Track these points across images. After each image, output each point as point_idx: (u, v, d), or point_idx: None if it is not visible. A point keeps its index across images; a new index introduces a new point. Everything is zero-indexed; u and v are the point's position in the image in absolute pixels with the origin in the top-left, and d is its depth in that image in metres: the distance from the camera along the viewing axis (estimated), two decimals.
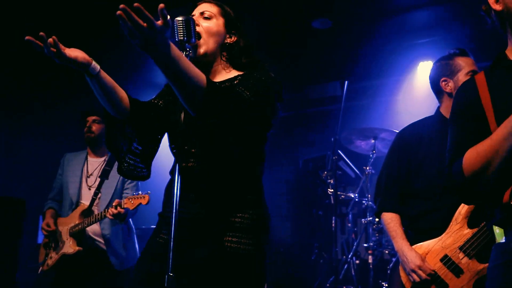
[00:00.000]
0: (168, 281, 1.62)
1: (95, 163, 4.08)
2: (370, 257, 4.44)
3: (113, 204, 3.62)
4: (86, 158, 4.12)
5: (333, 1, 4.99)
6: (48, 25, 5.01)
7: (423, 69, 5.83)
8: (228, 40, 2.11)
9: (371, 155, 5.00)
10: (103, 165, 4.04)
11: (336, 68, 6.49)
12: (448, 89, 2.80)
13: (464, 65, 2.78)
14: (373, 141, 4.98)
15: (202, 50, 2.02)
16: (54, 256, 3.86)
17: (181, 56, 1.63)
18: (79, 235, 3.81)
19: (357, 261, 4.81)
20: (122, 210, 3.56)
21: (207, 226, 1.87)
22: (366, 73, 6.42)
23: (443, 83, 2.81)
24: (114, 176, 3.95)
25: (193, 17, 2.04)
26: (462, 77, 2.74)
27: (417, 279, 2.57)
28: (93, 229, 3.83)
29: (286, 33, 5.63)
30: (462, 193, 1.67)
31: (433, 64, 2.94)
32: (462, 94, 1.79)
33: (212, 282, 1.82)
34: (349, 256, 4.81)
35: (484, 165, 1.56)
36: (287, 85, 2.08)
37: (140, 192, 3.63)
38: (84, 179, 4.01)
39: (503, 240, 1.66)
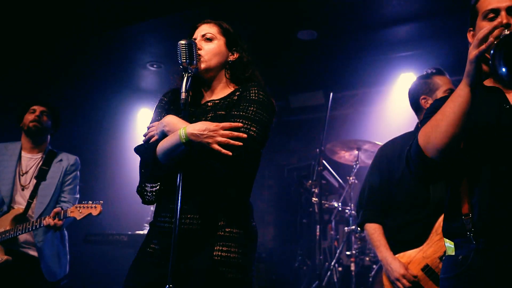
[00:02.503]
0: None
1: (30, 160, 3.64)
2: (352, 264, 4.55)
3: (54, 211, 3.26)
4: (20, 153, 3.64)
5: (319, 13, 5.11)
6: (35, 28, 5.06)
7: (404, 81, 5.99)
8: (231, 58, 2.21)
9: (354, 166, 5.11)
10: (40, 163, 3.63)
11: (319, 78, 6.61)
12: (427, 106, 2.94)
13: (442, 84, 2.94)
14: (356, 152, 5.10)
15: (203, 66, 2.12)
16: None
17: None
18: (8, 242, 3.37)
19: (340, 268, 4.91)
20: (60, 222, 3.24)
21: (199, 237, 1.95)
22: (349, 83, 6.55)
23: (423, 100, 2.96)
24: (53, 177, 3.58)
25: (195, 40, 2.15)
26: (440, 94, 2.91)
27: (401, 287, 2.69)
28: (24, 234, 3.42)
29: (271, 43, 5.73)
30: (419, 167, 1.75)
31: (412, 83, 3.09)
32: (438, 102, 1.93)
33: None
34: (332, 263, 4.92)
35: (433, 127, 1.69)
36: (270, 93, 2.18)
37: (90, 202, 3.28)
38: (17, 177, 3.56)
39: (453, 253, 1.80)
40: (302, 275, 5.63)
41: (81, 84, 6.29)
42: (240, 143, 1.87)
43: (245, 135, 1.89)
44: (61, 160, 3.68)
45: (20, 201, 3.53)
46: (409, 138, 3.02)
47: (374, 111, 6.62)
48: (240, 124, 1.91)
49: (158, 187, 2.08)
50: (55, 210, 3.30)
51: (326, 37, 5.62)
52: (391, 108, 6.36)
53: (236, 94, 2.10)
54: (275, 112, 2.14)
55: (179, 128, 1.91)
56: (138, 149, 2.11)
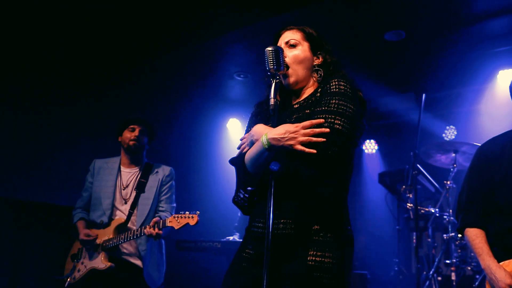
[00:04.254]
0: None
1: (129, 174, 3.86)
2: (453, 274, 4.30)
3: (153, 221, 3.45)
4: (119, 168, 3.89)
5: (406, 12, 4.94)
6: (126, 37, 5.34)
7: (504, 78, 5.64)
8: (316, 62, 2.20)
9: (451, 169, 4.87)
10: (138, 177, 3.84)
11: (409, 80, 6.40)
12: None
13: None
14: (453, 154, 4.86)
15: (292, 80, 2.14)
16: (82, 269, 3.63)
17: None
18: (112, 250, 3.60)
19: (439, 278, 4.68)
20: (161, 232, 3.40)
21: (293, 242, 1.94)
22: (442, 84, 6.29)
23: None
24: (150, 189, 3.78)
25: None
26: None
27: None
28: (126, 243, 3.62)
29: (358, 46, 5.63)
30: None
31: None
32: None
33: None
34: (431, 272, 4.69)
35: None
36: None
37: (187, 212, 3.40)
38: (118, 191, 3.79)
39: None
40: (399, 285, 5.43)
41: (173, 95, 6.54)
42: (323, 139, 1.82)
43: (327, 130, 1.84)
44: (157, 172, 3.88)
45: (121, 214, 3.74)
46: (511, 137, 2.83)
47: (471, 111, 6.30)
48: (321, 120, 1.88)
49: (250, 195, 2.09)
50: (154, 219, 3.47)
51: (415, 36, 5.42)
52: (489, 107, 6.01)
53: (319, 91, 2.09)
54: (363, 103, 2.09)
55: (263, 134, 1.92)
56: (232, 161, 2.15)
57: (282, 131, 1.87)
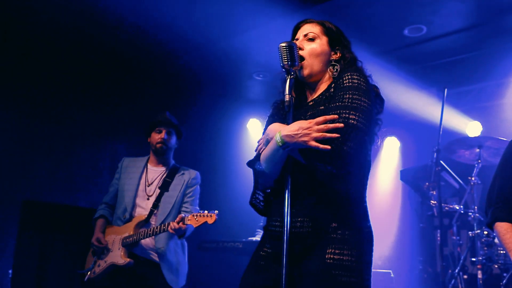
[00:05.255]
0: None
1: (155, 172, 3.92)
2: (479, 272, 4.20)
3: (179, 217, 3.46)
4: (146, 166, 3.95)
5: (427, 7, 4.87)
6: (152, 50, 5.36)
7: None
8: (334, 57, 2.16)
9: (476, 165, 4.77)
10: (164, 176, 3.89)
11: (431, 75, 6.30)
12: None
13: None
14: (477, 150, 4.75)
15: (306, 72, 2.10)
16: (102, 264, 3.70)
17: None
18: (131, 246, 3.66)
19: (465, 276, 4.58)
20: (184, 226, 3.43)
21: (310, 240, 1.91)
22: (464, 78, 6.18)
23: None
24: (175, 188, 3.82)
25: (297, 40, 2.15)
26: None
27: None
28: (146, 241, 3.66)
29: (378, 42, 5.57)
30: None
31: None
32: None
33: None
34: (456, 270, 4.60)
35: None
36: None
37: (205, 211, 3.43)
38: (142, 187, 3.84)
39: None
40: (423, 283, 5.35)
41: (192, 96, 6.55)
42: (338, 135, 1.79)
43: (342, 125, 1.80)
44: (183, 174, 3.92)
45: (142, 210, 3.78)
46: None
47: (494, 105, 6.17)
48: (335, 116, 1.84)
49: (266, 195, 2.09)
50: (179, 215, 3.50)
51: (435, 31, 5.34)
52: None
53: (332, 86, 2.05)
54: (381, 100, 2.05)
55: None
56: (250, 163, 2.13)
57: (296, 127, 1.84)
